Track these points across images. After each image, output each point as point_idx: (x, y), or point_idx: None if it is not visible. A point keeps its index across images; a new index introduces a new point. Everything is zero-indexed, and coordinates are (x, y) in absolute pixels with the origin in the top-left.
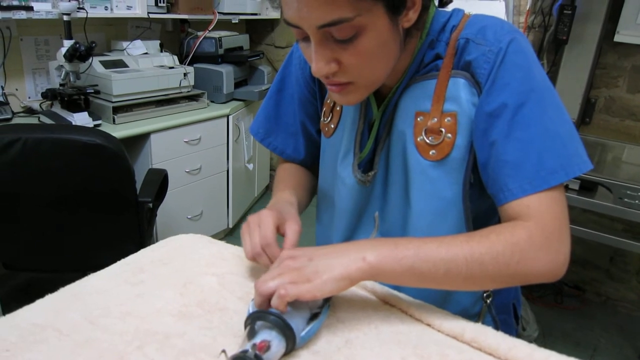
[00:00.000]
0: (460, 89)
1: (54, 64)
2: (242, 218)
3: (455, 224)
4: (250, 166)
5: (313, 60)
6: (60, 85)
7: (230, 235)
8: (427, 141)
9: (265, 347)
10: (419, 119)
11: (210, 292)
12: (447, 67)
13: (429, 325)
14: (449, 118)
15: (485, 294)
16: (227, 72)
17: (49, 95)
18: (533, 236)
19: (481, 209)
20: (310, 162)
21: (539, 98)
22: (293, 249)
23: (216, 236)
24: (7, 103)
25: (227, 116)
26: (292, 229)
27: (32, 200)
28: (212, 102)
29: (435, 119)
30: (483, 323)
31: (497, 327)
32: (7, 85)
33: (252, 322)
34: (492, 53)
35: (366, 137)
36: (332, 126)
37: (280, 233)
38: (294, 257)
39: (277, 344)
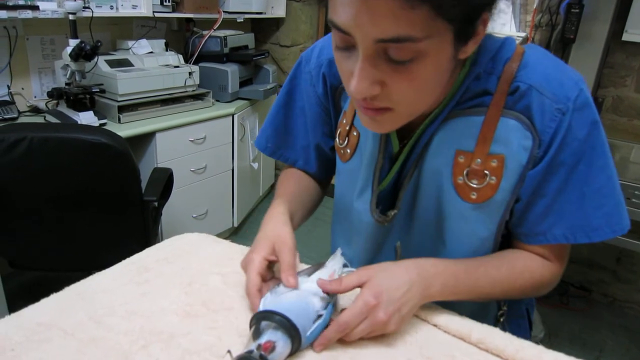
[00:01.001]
0: (510, 130)
1: (59, 63)
2: (247, 217)
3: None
4: (256, 165)
5: (356, 78)
6: (66, 84)
7: (235, 234)
8: (469, 183)
9: (271, 347)
10: (459, 158)
11: (215, 292)
12: (497, 105)
13: (435, 325)
14: (495, 160)
15: (499, 313)
16: (232, 71)
17: (55, 94)
18: (552, 278)
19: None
20: (323, 176)
21: (594, 155)
22: (373, 294)
23: (221, 235)
24: (13, 102)
25: (232, 115)
26: (286, 263)
27: (38, 198)
28: (217, 101)
29: (480, 160)
30: None
31: None
32: (13, 85)
33: (257, 322)
34: (560, 112)
35: (385, 171)
36: (349, 151)
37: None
38: (377, 307)
39: (283, 344)
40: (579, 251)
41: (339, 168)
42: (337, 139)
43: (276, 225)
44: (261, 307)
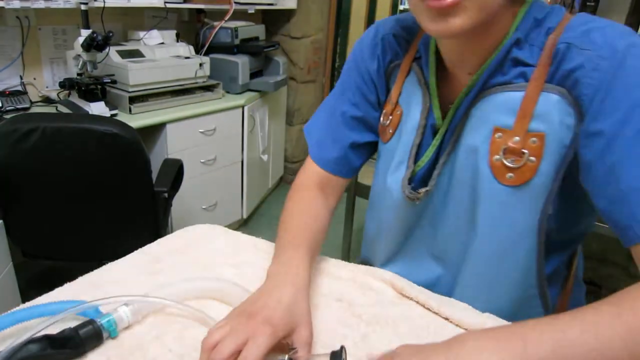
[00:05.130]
0: (552, 106)
1: (71, 53)
2: (256, 209)
3: (524, 256)
4: (265, 157)
5: None
6: (78, 74)
7: (244, 225)
8: (505, 163)
9: None
10: (497, 136)
11: None
12: (539, 79)
13: (447, 319)
14: (534, 139)
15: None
16: (242, 63)
17: (67, 84)
18: None
19: (556, 239)
20: (353, 173)
21: None
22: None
23: (230, 226)
24: (25, 92)
25: (242, 107)
26: (303, 340)
27: (50, 189)
28: (227, 92)
29: (518, 138)
30: None
31: None
32: (25, 75)
33: None
34: (603, 59)
35: (424, 148)
36: (390, 131)
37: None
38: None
39: None
40: (590, 246)
41: (380, 150)
42: (382, 119)
43: (296, 294)
44: None
